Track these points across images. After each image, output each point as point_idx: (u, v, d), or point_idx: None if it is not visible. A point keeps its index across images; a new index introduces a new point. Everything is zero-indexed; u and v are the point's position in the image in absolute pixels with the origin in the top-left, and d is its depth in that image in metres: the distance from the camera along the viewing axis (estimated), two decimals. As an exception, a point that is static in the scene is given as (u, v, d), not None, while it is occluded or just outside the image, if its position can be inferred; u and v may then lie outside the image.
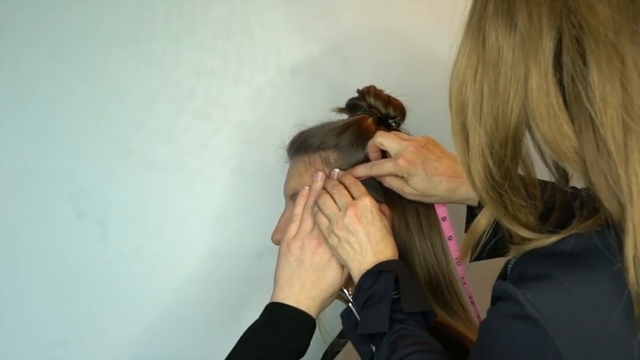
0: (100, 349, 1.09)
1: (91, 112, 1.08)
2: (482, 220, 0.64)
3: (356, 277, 0.81)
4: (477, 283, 0.92)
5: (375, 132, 0.88)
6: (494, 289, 0.60)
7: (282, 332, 0.81)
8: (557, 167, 0.60)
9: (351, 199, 0.84)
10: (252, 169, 1.15)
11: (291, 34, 1.15)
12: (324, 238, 0.84)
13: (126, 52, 1.08)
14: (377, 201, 0.85)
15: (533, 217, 0.59)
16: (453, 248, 0.90)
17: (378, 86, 0.95)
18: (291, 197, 0.91)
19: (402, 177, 0.85)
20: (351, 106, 0.94)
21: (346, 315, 0.84)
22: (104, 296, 1.09)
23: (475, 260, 0.86)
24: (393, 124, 0.93)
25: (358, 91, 0.94)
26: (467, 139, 0.59)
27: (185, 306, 1.13)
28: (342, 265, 0.85)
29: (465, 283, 0.91)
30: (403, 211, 0.88)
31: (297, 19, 1.16)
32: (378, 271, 0.80)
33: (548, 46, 0.54)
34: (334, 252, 0.84)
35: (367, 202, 0.83)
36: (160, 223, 1.12)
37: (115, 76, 1.08)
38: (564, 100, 0.54)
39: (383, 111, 0.92)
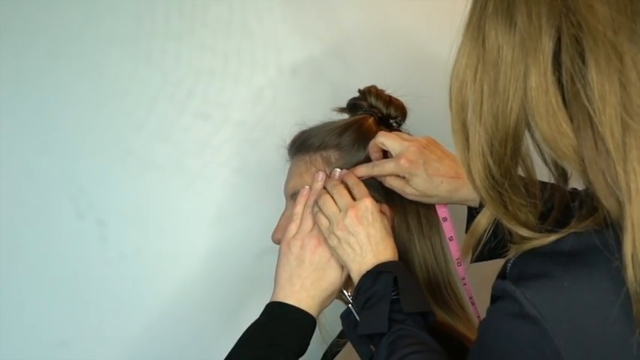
0: (100, 349, 1.09)
1: (90, 112, 1.08)
2: (483, 220, 0.64)
3: (355, 278, 0.82)
4: (477, 284, 0.92)
5: (376, 132, 0.88)
6: (494, 288, 0.60)
7: (283, 332, 0.81)
8: (556, 166, 0.60)
9: (351, 199, 0.84)
10: (252, 169, 1.15)
11: (291, 34, 1.15)
12: (324, 237, 0.84)
13: (125, 51, 1.08)
14: (377, 201, 0.85)
15: (533, 216, 0.60)
16: (454, 249, 0.90)
17: (379, 86, 0.95)
18: (292, 196, 0.91)
19: (403, 177, 0.85)
20: (352, 106, 0.94)
21: (346, 316, 0.84)
22: (104, 296, 1.09)
23: (476, 261, 0.86)
24: (394, 124, 0.93)
25: (359, 90, 0.94)
26: (467, 138, 0.60)
27: (185, 306, 1.13)
28: (342, 265, 0.85)
29: (465, 284, 0.91)
30: (404, 211, 0.88)
31: (297, 18, 1.16)
32: (377, 272, 0.80)
33: (547, 45, 0.54)
34: (334, 253, 0.84)
35: (368, 204, 0.83)
36: (159, 223, 1.12)
37: (114, 76, 1.08)
38: (563, 99, 0.54)
39: (384, 111, 0.92)
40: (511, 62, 0.55)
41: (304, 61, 1.16)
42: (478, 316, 0.91)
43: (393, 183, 0.86)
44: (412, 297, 0.78)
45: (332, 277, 0.85)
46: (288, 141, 0.94)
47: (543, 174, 0.62)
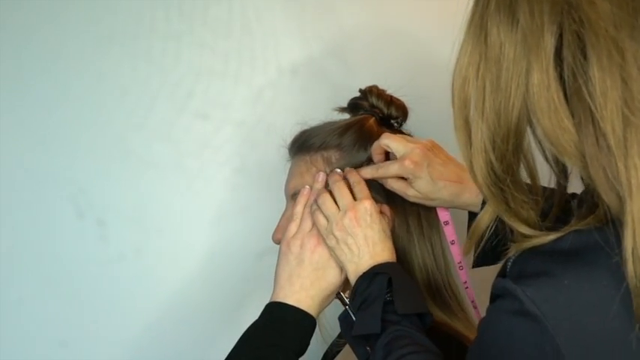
0: (100, 349, 1.09)
1: (90, 112, 1.08)
2: (485, 217, 0.64)
3: (352, 279, 0.82)
4: (478, 288, 0.92)
5: (377, 132, 0.88)
6: (494, 287, 0.60)
7: (283, 332, 0.81)
8: (557, 162, 0.60)
9: (351, 199, 0.83)
10: (252, 169, 1.15)
11: (291, 34, 1.15)
12: (323, 238, 0.84)
13: (125, 50, 1.08)
14: (378, 202, 0.85)
15: (534, 213, 0.60)
16: (456, 253, 0.89)
17: (379, 86, 0.95)
18: (292, 196, 0.91)
19: (406, 179, 0.85)
20: (353, 106, 0.94)
21: (344, 318, 0.84)
22: (104, 296, 1.09)
23: (476, 266, 0.86)
24: (395, 124, 0.93)
25: (360, 90, 0.94)
26: (469, 135, 0.60)
27: (185, 306, 1.13)
28: (340, 266, 0.85)
29: (467, 287, 0.90)
30: (404, 212, 0.88)
31: (297, 18, 1.16)
32: (373, 273, 0.80)
33: (549, 42, 0.54)
34: (331, 253, 0.84)
35: (367, 205, 0.83)
36: (159, 222, 1.12)
37: (114, 75, 1.08)
38: (564, 95, 0.55)
39: (385, 111, 0.92)
40: (513, 59, 0.56)
41: (304, 61, 1.16)
42: (480, 320, 0.91)
43: (395, 185, 0.86)
44: (407, 298, 0.78)
45: (331, 277, 0.85)
46: (289, 141, 0.94)
47: (544, 171, 0.62)
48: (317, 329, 0.86)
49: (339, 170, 0.88)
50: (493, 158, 0.58)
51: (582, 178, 0.58)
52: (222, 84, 1.12)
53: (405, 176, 0.85)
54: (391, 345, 0.74)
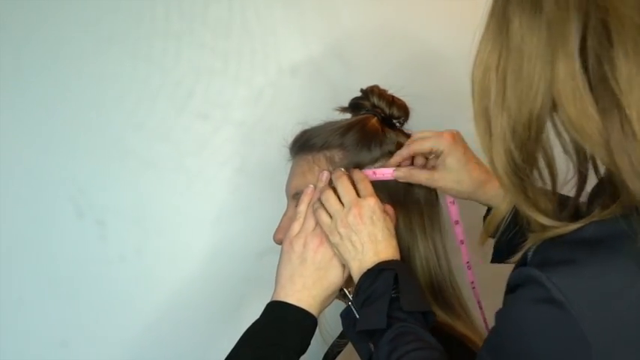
0: (100, 349, 1.09)
1: (90, 111, 1.08)
2: (503, 206, 0.65)
3: (356, 276, 0.81)
4: (484, 287, 0.92)
5: (380, 132, 0.88)
6: (513, 277, 0.61)
7: (284, 331, 0.81)
8: (578, 152, 0.61)
9: (355, 196, 0.83)
10: (252, 169, 1.15)
11: (291, 34, 1.15)
12: (326, 236, 0.84)
13: (125, 50, 1.08)
14: (381, 200, 0.85)
15: (552, 203, 0.60)
16: (464, 252, 0.89)
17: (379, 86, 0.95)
18: (294, 196, 0.91)
19: (432, 167, 0.86)
20: (355, 106, 0.94)
21: (346, 315, 0.84)
22: (104, 296, 1.09)
23: (495, 261, 0.87)
24: (397, 124, 0.93)
25: (362, 90, 0.94)
26: (489, 124, 0.61)
27: (185, 306, 1.13)
28: (344, 264, 0.85)
29: (474, 288, 0.90)
30: (407, 211, 0.88)
31: (297, 18, 1.16)
32: (378, 270, 0.80)
33: (575, 30, 0.55)
34: (335, 250, 0.83)
35: (371, 202, 0.83)
36: (159, 222, 1.12)
37: (114, 75, 1.08)
38: (589, 83, 0.55)
39: (387, 111, 0.92)
40: (536, 47, 0.57)
41: (304, 61, 1.16)
42: (485, 321, 0.91)
43: (422, 176, 0.86)
44: (412, 296, 0.78)
45: (334, 277, 0.84)
46: (290, 140, 0.94)
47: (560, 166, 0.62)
48: (317, 329, 0.86)
49: (342, 169, 0.88)
50: (513, 146, 0.59)
51: (593, 170, 0.60)
52: (222, 84, 1.13)
53: (438, 152, 0.86)
54: (396, 341, 0.74)
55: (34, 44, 1.04)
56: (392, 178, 0.88)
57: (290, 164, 0.94)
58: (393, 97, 0.93)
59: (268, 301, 0.85)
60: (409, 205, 0.88)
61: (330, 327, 0.95)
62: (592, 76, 0.55)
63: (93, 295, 1.09)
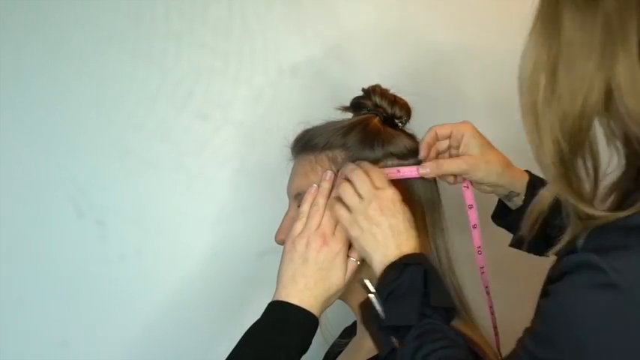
0: (100, 349, 1.09)
1: (90, 112, 1.08)
2: (546, 194, 0.65)
3: (379, 268, 0.80)
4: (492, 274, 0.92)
5: (382, 131, 0.88)
6: (565, 264, 0.61)
7: (285, 331, 0.81)
8: (629, 144, 0.61)
9: (374, 188, 0.82)
10: (252, 169, 1.15)
11: (291, 34, 1.15)
12: (329, 236, 0.84)
13: (125, 50, 1.08)
14: None
15: (593, 194, 0.62)
16: (477, 236, 0.90)
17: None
18: (295, 197, 0.90)
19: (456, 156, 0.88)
20: (356, 105, 0.93)
21: (365, 306, 0.82)
22: (104, 296, 1.09)
23: (530, 251, 0.89)
24: (399, 124, 0.93)
25: (363, 90, 0.93)
26: (537, 118, 0.61)
27: (185, 306, 1.13)
28: (346, 265, 0.84)
29: (483, 272, 0.90)
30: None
31: (297, 18, 1.16)
32: (403, 264, 0.78)
33: (635, 24, 0.56)
34: (354, 243, 0.82)
35: (390, 193, 0.81)
36: (159, 223, 1.12)
37: (114, 75, 1.08)
38: None
39: (389, 110, 0.91)
40: (591, 42, 0.57)
41: (304, 61, 1.16)
42: (490, 306, 0.91)
43: (452, 164, 0.87)
44: (440, 291, 0.78)
45: (335, 278, 0.84)
46: (291, 140, 0.94)
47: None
48: (318, 329, 0.86)
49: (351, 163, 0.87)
50: (561, 137, 0.60)
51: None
52: (222, 84, 1.13)
53: (458, 136, 0.87)
54: (422, 338, 0.73)
55: (34, 44, 1.04)
56: (417, 175, 0.87)
57: (291, 164, 0.93)
58: (394, 96, 0.93)
59: (269, 301, 0.85)
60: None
61: (331, 327, 0.95)
62: None
63: (93, 295, 1.09)
